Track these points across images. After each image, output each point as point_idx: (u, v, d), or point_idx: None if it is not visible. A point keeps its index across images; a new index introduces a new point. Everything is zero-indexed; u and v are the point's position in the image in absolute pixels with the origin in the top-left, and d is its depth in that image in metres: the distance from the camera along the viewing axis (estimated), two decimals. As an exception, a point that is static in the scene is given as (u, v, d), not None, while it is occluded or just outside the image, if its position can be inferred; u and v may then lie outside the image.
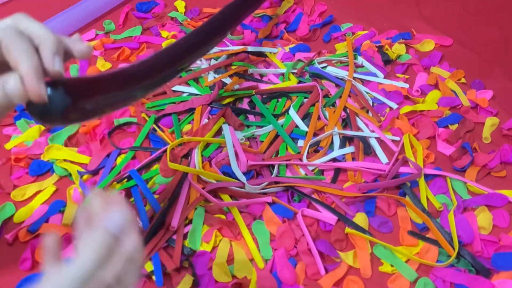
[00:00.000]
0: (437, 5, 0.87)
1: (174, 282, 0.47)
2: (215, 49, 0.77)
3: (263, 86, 0.69)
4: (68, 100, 0.30)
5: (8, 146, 0.62)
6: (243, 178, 0.55)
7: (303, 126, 0.62)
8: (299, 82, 0.70)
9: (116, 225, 0.27)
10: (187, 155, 0.60)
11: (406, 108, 0.65)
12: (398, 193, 0.55)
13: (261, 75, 0.73)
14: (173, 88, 0.70)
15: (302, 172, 0.58)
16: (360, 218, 0.52)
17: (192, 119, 0.65)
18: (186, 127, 0.64)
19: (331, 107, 0.66)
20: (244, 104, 0.67)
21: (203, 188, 0.55)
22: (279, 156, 0.60)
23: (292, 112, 0.63)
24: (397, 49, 0.76)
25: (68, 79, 0.31)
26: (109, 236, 0.27)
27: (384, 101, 0.67)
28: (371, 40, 0.79)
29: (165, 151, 0.59)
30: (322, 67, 0.73)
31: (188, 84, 0.71)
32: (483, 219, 0.52)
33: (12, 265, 0.50)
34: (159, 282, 0.47)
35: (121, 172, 0.58)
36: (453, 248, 0.49)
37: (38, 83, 0.28)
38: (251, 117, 0.65)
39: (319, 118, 0.64)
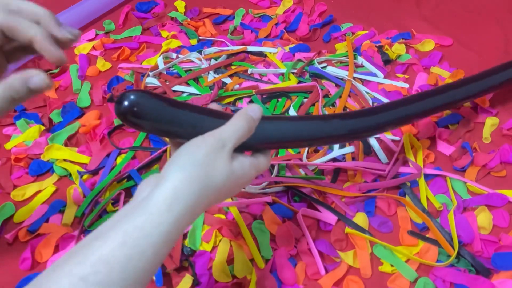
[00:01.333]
0: (437, 5, 0.87)
1: (174, 282, 0.47)
2: (215, 49, 0.77)
3: (263, 86, 0.70)
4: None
5: (8, 146, 0.62)
6: (243, 178, 0.55)
7: (303, 126, 0.62)
8: (299, 82, 0.70)
9: (254, 112, 0.37)
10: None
11: (406, 108, 0.65)
12: (398, 193, 0.55)
13: (261, 75, 0.73)
14: (173, 88, 0.70)
15: (302, 172, 0.58)
16: (360, 218, 0.52)
17: (192, 119, 0.65)
18: (186, 127, 0.64)
19: (331, 107, 0.66)
20: (244, 104, 0.67)
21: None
22: (279, 156, 0.60)
23: (292, 112, 0.63)
24: (397, 49, 0.76)
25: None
26: (250, 116, 0.36)
27: (384, 101, 0.67)
28: (371, 40, 0.79)
29: (165, 151, 0.59)
30: (322, 67, 0.73)
31: (188, 84, 0.71)
32: (483, 219, 0.52)
33: (12, 265, 0.50)
34: (159, 282, 0.47)
35: (121, 172, 0.58)
36: (453, 248, 0.49)
37: (55, 47, 0.34)
38: (251, 117, 0.65)
39: (319, 118, 0.64)
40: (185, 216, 0.30)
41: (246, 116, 0.36)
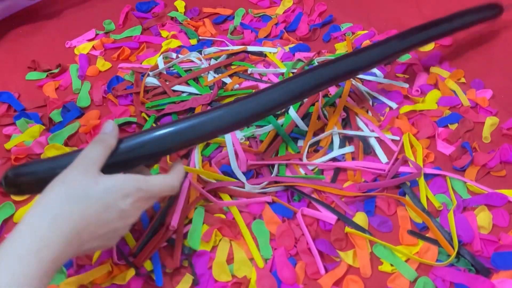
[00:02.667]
0: (437, 5, 0.86)
1: (174, 282, 0.47)
2: (215, 49, 0.77)
3: (263, 86, 0.69)
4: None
5: (8, 146, 0.62)
6: (243, 178, 0.56)
7: (303, 126, 0.62)
8: (299, 81, 0.70)
9: (106, 127, 0.42)
10: (187, 155, 0.60)
11: (406, 108, 0.65)
12: (398, 192, 0.55)
13: (261, 75, 0.73)
14: (173, 88, 0.70)
15: (302, 171, 0.58)
16: (360, 218, 0.52)
17: (192, 119, 0.65)
18: (186, 127, 0.64)
19: (331, 106, 0.66)
20: (244, 104, 0.67)
21: (203, 188, 0.55)
22: (279, 155, 0.60)
23: (292, 112, 0.63)
24: (397, 48, 0.76)
25: None
26: (102, 132, 0.42)
27: (384, 100, 0.67)
28: (371, 40, 0.79)
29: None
30: (322, 67, 0.72)
31: (188, 84, 0.71)
32: (483, 218, 0.52)
33: (12, 264, 0.50)
34: (159, 282, 0.47)
35: (121, 171, 0.58)
36: (453, 248, 0.49)
37: None
38: (251, 117, 0.65)
39: (319, 117, 0.64)
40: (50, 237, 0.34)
41: (99, 135, 0.41)
